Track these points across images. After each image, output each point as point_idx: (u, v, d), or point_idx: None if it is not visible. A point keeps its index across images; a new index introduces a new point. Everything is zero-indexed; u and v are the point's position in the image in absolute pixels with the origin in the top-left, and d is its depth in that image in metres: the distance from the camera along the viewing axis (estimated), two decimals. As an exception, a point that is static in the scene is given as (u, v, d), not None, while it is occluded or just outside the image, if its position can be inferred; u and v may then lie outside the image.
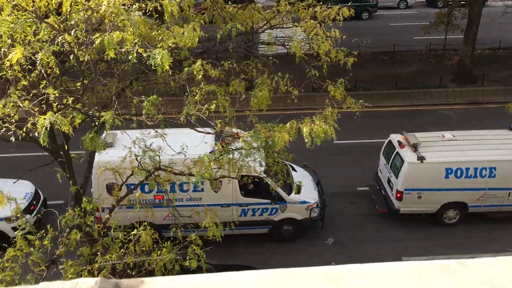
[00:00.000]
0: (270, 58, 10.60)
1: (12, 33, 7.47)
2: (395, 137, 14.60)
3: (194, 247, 7.56)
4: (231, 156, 9.19)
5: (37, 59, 7.40)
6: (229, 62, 9.07)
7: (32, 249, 7.41)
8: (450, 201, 13.96)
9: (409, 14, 36.66)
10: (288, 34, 11.51)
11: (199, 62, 8.38)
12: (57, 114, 6.71)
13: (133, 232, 7.54)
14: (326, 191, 14.43)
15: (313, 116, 8.86)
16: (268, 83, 9.25)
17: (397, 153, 14.04)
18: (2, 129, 7.19)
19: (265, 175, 11.80)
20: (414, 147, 13.67)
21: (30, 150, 13.51)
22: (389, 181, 14.44)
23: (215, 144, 9.50)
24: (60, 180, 9.20)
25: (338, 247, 13.81)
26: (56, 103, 7.72)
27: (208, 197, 12.64)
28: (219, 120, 8.71)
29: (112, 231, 8.06)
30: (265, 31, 11.23)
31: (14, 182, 11.98)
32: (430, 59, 26.81)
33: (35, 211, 13.61)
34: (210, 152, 8.94)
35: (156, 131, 9.15)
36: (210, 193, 12.61)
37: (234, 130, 9.27)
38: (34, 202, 13.83)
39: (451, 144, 14.06)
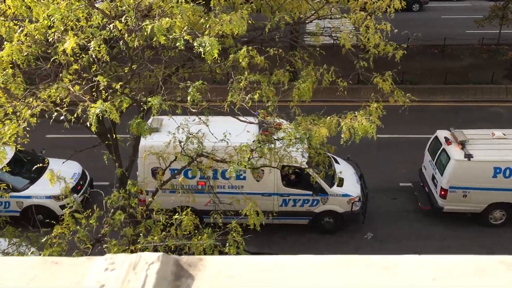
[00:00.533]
0: (317, 49, 10.50)
1: (65, 20, 7.71)
2: (442, 133, 14.20)
3: (234, 234, 7.66)
4: (272, 146, 9.22)
5: (90, 46, 7.62)
6: (274, 49, 9.05)
7: (78, 227, 7.71)
8: (497, 201, 13.49)
9: (462, 7, 35.30)
10: (336, 25, 11.36)
11: (244, 49, 8.42)
12: (107, 103, 6.91)
13: (175, 217, 7.70)
14: (368, 185, 14.24)
15: (356, 112, 8.72)
16: (312, 75, 9.18)
17: (444, 149, 13.66)
18: (54, 113, 7.48)
19: (306, 166, 11.77)
20: (462, 144, 13.26)
21: (79, 132, 13.97)
22: (433, 178, 14.09)
23: (258, 134, 9.55)
24: (106, 162, 9.51)
25: (378, 242, 13.63)
26: (105, 91, 7.95)
27: (250, 185, 12.73)
28: (262, 110, 8.75)
29: (154, 214, 8.26)
30: (313, 22, 11.13)
31: (63, 162, 12.48)
32: (483, 53, 25.79)
33: (82, 191, 14.12)
34: (253, 141, 9.00)
35: (200, 118, 9.30)
36: (252, 181, 12.69)
37: (277, 120, 9.27)
38: (81, 182, 14.34)
39: (501, 143, 13.54)
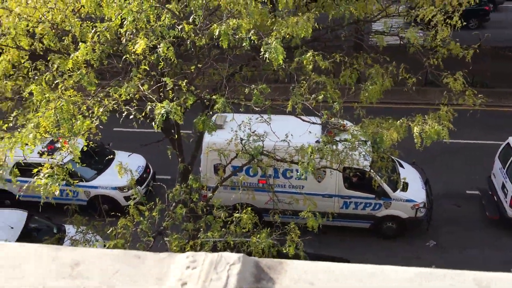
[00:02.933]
0: (381, 51, 10.22)
1: (137, 21, 7.95)
2: None
3: (293, 235, 7.62)
4: (334, 147, 9.09)
5: (159, 48, 7.81)
6: (340, 54, 8.91)
7: (141, 219, 7.97)
8: None
9: (541, 6, 33.21)
10: (402, 25, 11.01)
11: (310, 53, 8.35)
12: (172, 103, 7.09)
13: (235, 214, 7.76)
14: (433, 191, 13.72)
15: (426, 115, 8.41)
16: (381, 73, 8.95)
17: None
18: (125, 112, 7.76)
19: (369, 169, 11.52)
20: None
21: (144, 127, 14.45)
22: (503, 186, 13.34)
23: (322, 135, 9.43)
24: (170, 156, 9.75)
25: (440, 251, 13.10)
26: (172, 91, 8.15)
27: (311, 186, 12.63)
28: (326, 111, 8.64)
29: (214, 210, 8.38)
30: (379, 21, 10.84)
31: (129, 155, 12.94)
32: None
33: (145, 184, 14.57)
34: (315, 142, 8.91)
35: (262, 117, 9.33)
36: (313, 182, 12.59)
37: (341, 122, 9.12)
38: (144, 175, 14.80)
39: None
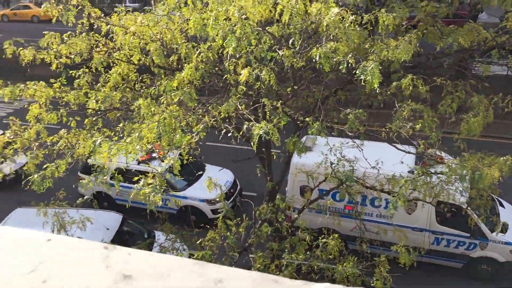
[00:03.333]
0: (481, 80, 9.66)
1: (239, 46, 8.23)
2: None
3: (382, 269, 7.34)
4: (429, 179, 8.67)
5: (261, 75, 8.00)
6: (442, 78, 8.55)
7: (228, 233, 8.13)
8: None
9: None
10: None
11: (409, 77, 8.12)
12: (270, 124, 7.22)
13: (322, 239, 7.65)
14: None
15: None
16: (485, 103, 8.44)
17: None
18: (223, 130, 8.03)
19: (466, 206, 10.84)
20: None
21: (237, 143, 14.83)
22: None
23: (415, 165, 9.06)
24: (259, 174, 9.88)
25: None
26: (269, 113, 8.29)
27: (400, 217, 12.15)
28: (423, 141, 8.31)
29: (299, 231, 8.33)
30: (488, 51, 10.26)
31: (220, 170, 13.31)
32: None
33: (232, 199, 14.88)
34: (408, 172, 8.57)
35: (355, 142, 9.18)
36: (403, 213, 12.10)
37: (438, 153, 8.70)
38: (231, 190, 15.13)
39: None
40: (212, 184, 8.65)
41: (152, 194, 6.67)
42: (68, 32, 8.83)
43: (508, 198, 13.25)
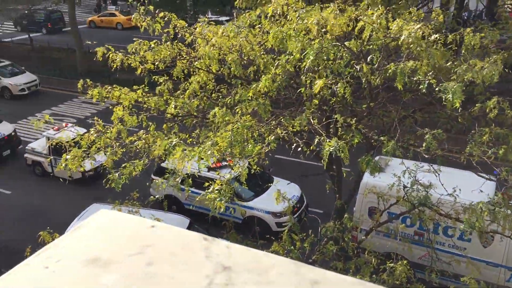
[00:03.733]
0: None
1: (317, 60, 8.22)
2: None
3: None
4: (509, 211, 8.12)
5: (335, 87, 7.94)
6: None
7: (292, 247, 8.06)
8: None
9: None
10: None
11: (494, 99, 7.69)
12: (341, 142, 7.11)
13: (390, 264, 7.37)
14: None
15: None
16: None
17: None
18: (294, 144, 8.03)
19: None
20: None
21: (306, 158, 14.74)
22: None
23: (496, 193, 8.52)
24: (327, 191, 9.75)
25: None
26: (341, 128, 8.18)
27: (474, 249, 11.46)
28: (506, 168, 7.81)
29: (366, 253, 8.09)
30: None
31: (288, 184, 13.29)
32: None
33: (297, 213, 14.78)
34: (487, 202, 8.07)
35: (431, 166, 8.80)
36: (477, 246, 11.41)
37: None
38: (297, 205, 15.03)
39: None
40: (280, 196, 8.64)
41: (217, 200, 6.78)
42: (154, 40, 9.26)
43: None
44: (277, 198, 8.44)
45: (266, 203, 14.36)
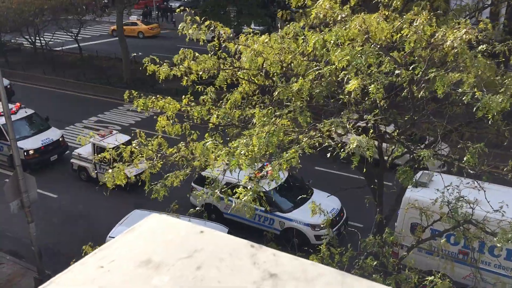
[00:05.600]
0: None
1: (359, 66, 8.14)
2: None
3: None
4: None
5: (369, 89, 7.87)
6: None
7: (331, 261, 7.96)
8: None
9: None
10: None
11: None
12: (366, 137, 6.99)
13: (429, 278, 7.14)
14: None
15: None
16: None
17: None
18: (325, 144, 7.94)
19: None
20: None
21: (346, 171, 14.57)
22: None
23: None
24: (367, 205, 9.59)
25: None
26: (372, 131, 8.05)
27: None
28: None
29: (406, 270, 7.89)
30: None
31: (328, 196, 13.15)
32: None
33: (337, 226, 14.59)
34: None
35: (476, 182, 8.53)
36: None
37: None
38: (337, 218, 14.85)
39: None
40: (317, 209, 8.56)
41: (245, 207, 6.79)
42: (199, 54, 9.43)
43: None
44: (313, 211, 8.37)
45: (305, 215, 14.24)
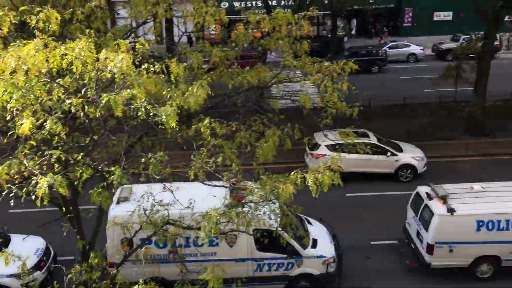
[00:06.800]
0: (276, 113, 10.72)
1: (24, 99, 7.67)
2: (423, 189, 14.32)
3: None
4: (240, 209, 9.11)
5: (46, 125, 7.56)
6: (236, 123, 9.22)
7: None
8: (482, 254, 13.39)
9: (419, 67, 37.20)
10: (294, 89, 11.71)
11: (206, 120, 8.53)
12: (57, 176, 6.83)
13: (135, 286, 7.34)
14: (342, 245, 14.09)
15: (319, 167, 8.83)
16: (278, 134, 9.34)
17: (426, 205, 13.71)
18: (5, 191, 7.32)
19: (276, 228, 11.61)
20: (443, 199, 13.38)
21: (43, 206, 13.55)
22: (418, 234, 14.02)
23: (227, 197, 9.43)
24: (64, 233, 9.14)
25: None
26: (58, 165, 7.80)
27: (223, 251, 12.43)
28: (226, 172, 8.74)
29: (117, 287, 7.91)
30: (274, 85, 11.45)
31: (24, 238, 11.98)
32: (441, 111, 26.83)
33: (45, 267, 13.51)
34: (225, 206, 8.91)
35: (164, 185, 9.19)
36: (225, 247, 12.41)
37: (242, 183, 9.24)
38: (44, 258, 13.75)
39: (480, 196, 13.68)
40: (9, 257, 7.72)
41: None
42: None
43: (315, 215, 14.69)
44: (5, 260, 7.50)
45: (4, 267, 12.65)
